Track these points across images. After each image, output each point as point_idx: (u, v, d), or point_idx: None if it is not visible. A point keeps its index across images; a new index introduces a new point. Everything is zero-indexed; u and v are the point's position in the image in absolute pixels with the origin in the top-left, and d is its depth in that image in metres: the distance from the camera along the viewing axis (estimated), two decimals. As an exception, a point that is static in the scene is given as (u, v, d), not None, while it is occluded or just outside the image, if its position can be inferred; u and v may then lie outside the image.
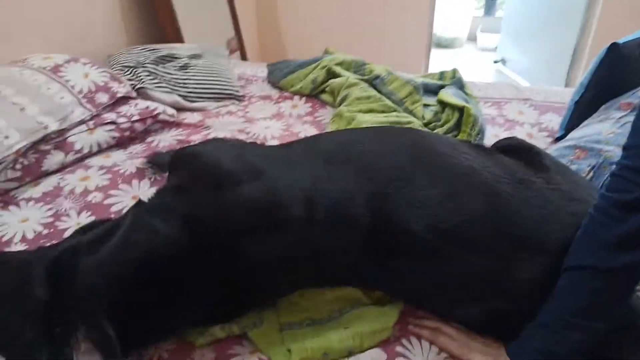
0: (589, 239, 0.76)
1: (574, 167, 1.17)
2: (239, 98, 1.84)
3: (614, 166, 1.11)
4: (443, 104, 1.62)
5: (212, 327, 0.85)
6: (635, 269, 0.74)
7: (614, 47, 1.37)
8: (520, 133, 1.61)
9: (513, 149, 1.00)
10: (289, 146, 0.96)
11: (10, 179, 1.27)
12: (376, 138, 0.93)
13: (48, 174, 1.35)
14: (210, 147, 1.03)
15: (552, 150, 1.29)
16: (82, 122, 1.44)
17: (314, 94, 1.83)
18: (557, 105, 1.72)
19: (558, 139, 1.53)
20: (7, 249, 1.10)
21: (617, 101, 1.34)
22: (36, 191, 1.28)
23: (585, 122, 1.39)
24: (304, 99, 1.83)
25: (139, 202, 0.85)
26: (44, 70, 1.48)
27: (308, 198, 0.81)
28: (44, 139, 1.34)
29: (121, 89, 1.57)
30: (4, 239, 1.13)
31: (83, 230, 0.85)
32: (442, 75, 1.85)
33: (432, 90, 1.75)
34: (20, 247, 1.11)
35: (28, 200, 1.25)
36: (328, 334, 0.86)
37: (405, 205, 0.80)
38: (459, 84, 1.74)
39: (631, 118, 1.24)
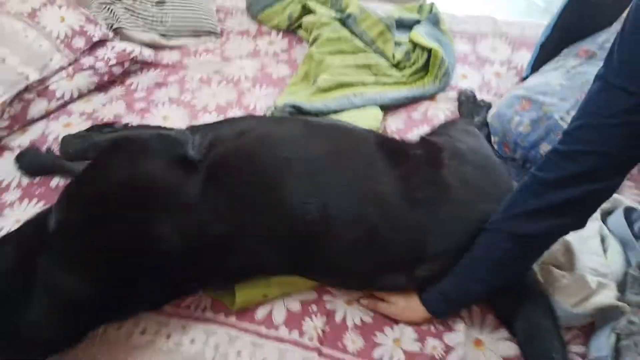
0: (511, 208, 0.86)
1: (517, 119, 1.23)
2: (217, 34, 1.86)
3: (550, 121, 1.18)
4: (415, 43, 1.63)
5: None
6: (545, 237, 0.86)
7: (580, -10, 1.35)
8: (489, 72, 1.64)
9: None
10: (215, 182, 0.92)
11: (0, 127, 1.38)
12: (304, 171, 0.93)
13: (34, 120, 1.46)
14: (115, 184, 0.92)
15: (505, 98, 1.32)
16: (61, 68, 1.51)
17: (291, 29, 1.84)
18: (532, 41, 1.71)
19: (525, 79, 1.56)
20: (5, 194, 1.25)
21: (578, 47, 1.35)
22: (24, 139, 1.40)
23: (545, 66, 1.41)
24: (281, 34, 1.85)
25: (47, 251, 0.86)
26: (22, 17, 1.52)
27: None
28: (27, 89, 1.43)
29: (97, 32, 1.61)
30: (3, 184, 1.28)
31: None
32: (420, 8, 1.83)
33: (407, 26, 1.74)
34: (17, 192, 1.26)
35: (19, 147, 1.38)
36: (270, 279, 1.00)
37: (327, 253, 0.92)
38: (434, 20, 1.73)
39: (583, 69, 1.27)
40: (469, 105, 1.43)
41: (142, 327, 0.96)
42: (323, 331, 0.94)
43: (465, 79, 1.62)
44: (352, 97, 1.45)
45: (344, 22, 1.68)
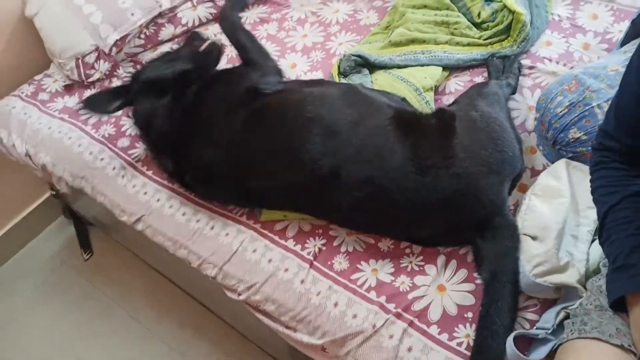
0: None
1: (559, 99, 1.23)
2: (325, -28, 2.01)
3: (586, 107, 1.20)
4: (504, 2, 1.62)
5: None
6: None
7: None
8: (578, 42, 1.57)
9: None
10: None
11: (137, 45, 1.78)
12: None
13: (163, 42, 1.83)
14: None
15: (562, 75, 1.31)
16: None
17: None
18: None
19: (613, 54, 1.48)
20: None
21: (662, 29, 1.26)
22: (156, 55, 1.77)
23: (624, 47, 1.34)
24: (382, -23, 1.93)
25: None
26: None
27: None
28: (160, 14, 1.79)
29: (219, -32, 1.89)
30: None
31: None
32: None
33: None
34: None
35: (148, 62, 1.76)
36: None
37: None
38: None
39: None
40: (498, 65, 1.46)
41: (211, 224, 1.31)
42: (320, 250, 1.19)
43: (548, 46, 1.58)
44: (420, 54, 1.54)
45: (437, -26, 1.72)
